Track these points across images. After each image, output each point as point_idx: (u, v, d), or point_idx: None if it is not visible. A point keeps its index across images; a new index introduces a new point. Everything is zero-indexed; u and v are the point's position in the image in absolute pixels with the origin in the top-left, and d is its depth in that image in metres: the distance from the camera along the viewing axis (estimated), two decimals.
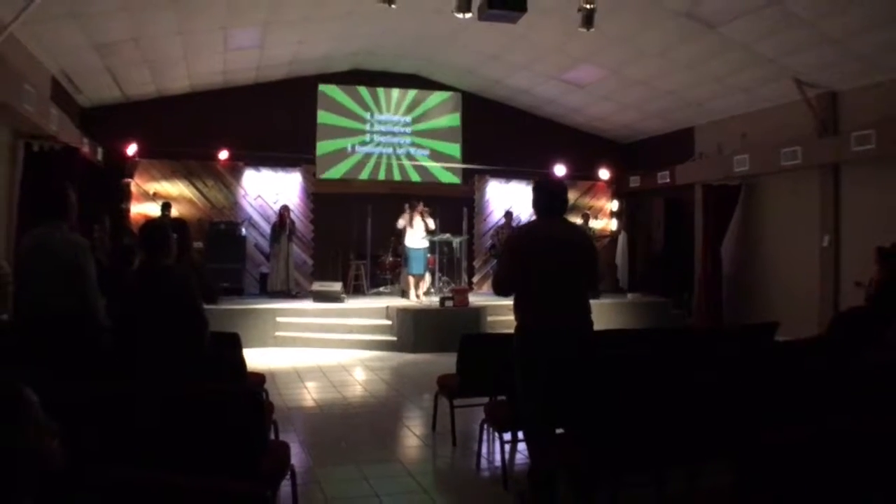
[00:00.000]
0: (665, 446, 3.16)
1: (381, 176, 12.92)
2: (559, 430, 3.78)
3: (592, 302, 3.87)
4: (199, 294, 3.60)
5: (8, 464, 1.43)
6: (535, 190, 3.91)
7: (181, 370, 3.38)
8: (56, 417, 1.54)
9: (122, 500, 1.71)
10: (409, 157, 13.08)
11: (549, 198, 3.81)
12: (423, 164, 13.09)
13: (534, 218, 4.02)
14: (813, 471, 2.32)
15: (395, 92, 13.06)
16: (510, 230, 11.41)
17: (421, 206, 10.76)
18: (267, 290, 11.27)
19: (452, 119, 13.31)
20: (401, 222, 10.78)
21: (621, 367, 3.54)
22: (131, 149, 11.08)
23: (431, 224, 10.71)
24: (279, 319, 9.76)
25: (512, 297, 3.82)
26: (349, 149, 12.78)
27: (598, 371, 3.47)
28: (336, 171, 12.66)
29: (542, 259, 3.66)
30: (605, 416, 3.12)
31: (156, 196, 11.41)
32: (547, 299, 3.67)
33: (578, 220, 11.70)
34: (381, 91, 12.98)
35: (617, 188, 13.85)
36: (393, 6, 6.61)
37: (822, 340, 4.98)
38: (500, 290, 3.85)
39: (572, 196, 12.39)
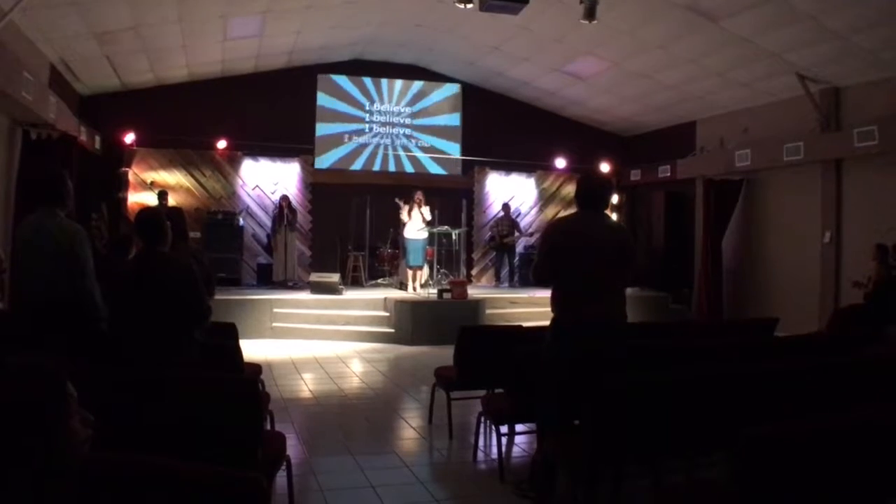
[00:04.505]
0: (665, 439, 3.15)
1: (380, 167, 12.88)
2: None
3: None
4: (202, 282, 3.56)
5: (51, 454, 1.53)
6: (579, 183, 3.93)
7: (177, 358, 3.36)
8: None
9: (119, 485, 1.70)
10: (409, 148, 13.03)
11: (591, 192, 3.82)
12: (423, 155, 13.05)
13: (574, 210, 4.00)
14: (810, 464, 2.31)
15: (396, 83, 13.00)
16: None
17: (419, 196, 10.71)
18: (272, 281, 11.24)
19: (452, 110, 13.25)
20: (406, 214, 10.70)
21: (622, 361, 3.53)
22: (129, 137, 11.04)
23: (428, 214, 10.66)
24: (276, 310, 9.74)
25: (549, 288, 3.82)
26: (348, 139, 12.73)
27: (599, 365, 3.45)
28: (335, 162, 12.62)
29: (577, 253, 3.65)
30: (606, 409, 3.11)
31: (153, 185, 11.35)
32: (580, 294, 3.66)
33: None
34: (381, 82, 12.92)
35: (618, 181, 13.77)
36: None
37: (822, 336, 4.97)
38: (539, 280, 3.89)
39: (570, 189, 12.34)
